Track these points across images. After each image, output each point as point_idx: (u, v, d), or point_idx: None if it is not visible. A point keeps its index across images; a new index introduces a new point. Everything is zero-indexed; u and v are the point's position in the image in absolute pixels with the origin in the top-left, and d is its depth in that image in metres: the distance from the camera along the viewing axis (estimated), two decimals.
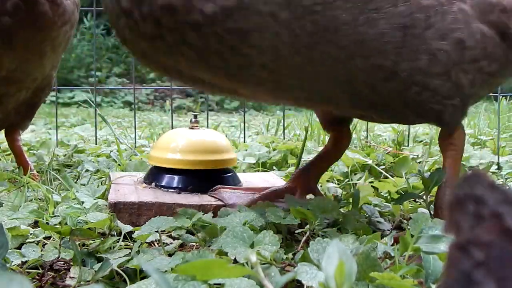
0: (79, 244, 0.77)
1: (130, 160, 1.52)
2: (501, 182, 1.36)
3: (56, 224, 0.87)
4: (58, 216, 0.91)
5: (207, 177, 1.05)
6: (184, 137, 1.09)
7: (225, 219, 0.77)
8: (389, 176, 1.32)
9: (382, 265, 0.60)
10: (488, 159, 1.59)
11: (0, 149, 1.61)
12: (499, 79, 0.94)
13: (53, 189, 1.11)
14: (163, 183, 1.04)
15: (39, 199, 1.05)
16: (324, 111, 1.05)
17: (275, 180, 1.18)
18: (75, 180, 1.28)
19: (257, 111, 6.21)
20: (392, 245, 0.70)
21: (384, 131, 2.35)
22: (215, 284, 0.55)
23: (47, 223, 0.87)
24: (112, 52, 7.95)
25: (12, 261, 0.70)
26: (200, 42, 0.69)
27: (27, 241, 0.80)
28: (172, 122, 2.04)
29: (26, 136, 2.32)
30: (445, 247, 0.62)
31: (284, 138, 2.05)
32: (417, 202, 1.12)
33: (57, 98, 2.84)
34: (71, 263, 0.72)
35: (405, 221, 0.98)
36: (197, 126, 1.14)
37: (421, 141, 2.01)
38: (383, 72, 0.78)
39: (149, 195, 0.98)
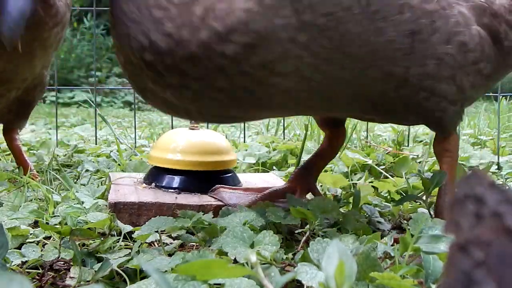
0: (79, 244, 0.77)
1: (130, 160, 1.52)
2: (501, 182, 1.36)
3: (56, 224, 0.87)
4: (58, 216, 0.91)
5: (207, 177, 1.05)
6: (184, 138, 1.09)
7: (225, 219, 0.77)
8: (389, 176, 1.32)
9: (382, 265, 0.60)
10: (488, 159, 1.59)
11: (0, 149, 1.61)
12: (491, 82, 0.96)
13: (53, 189, 1.11)
14: (163, 184, 1.04)
15: (39, 199, 1.05)
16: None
17: (275, 180, 1.18)
18: (75, 180, 1.28)
19: None
20: (392, 245, 0.70)
21: (384, 131, 2.35)
22: (215, 284, 0.55)
23: (47, 223, 0.87)
24: (112, 52, 7.94)
25: (12, 261, 0.70)
26: (227, 83, 0.69)
27: (27, 241, 0.80)
28: (172, 122, 2.04)
29: (26, 136, 2.32)
30: (445, 247, 0.62)
31: (284, 138, 2.05)
32: (417, 202, 1.11)
33: (57, 98, 2.84)
34: (71, 263, 0.72)
35: (405, 221, 0.98)
36: (197, 127, 1.14)
37: (421, 141, 2.01)
38: (394, 79, 0.79)
39: (149, 195, 0.98)
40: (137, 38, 0.69)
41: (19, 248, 0.76)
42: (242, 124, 2.10)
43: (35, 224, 0.91)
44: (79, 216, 0.85)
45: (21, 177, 1.14)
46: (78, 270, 0.68)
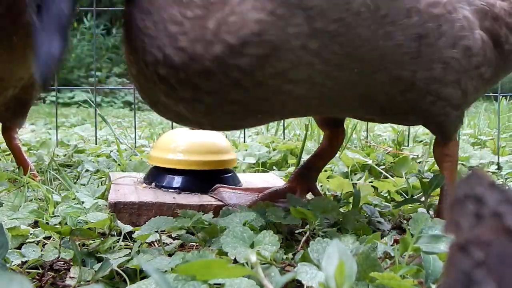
0: (79, 244, 0.77)
1: (130, 160, 1.52)
2: (501, 182, 1.36)
3: (56, 224, 0.87)
4: (58, 216, 0.91)
5: (207, 177, 1.05)
6: (185, 138, 1.09)
7: (225, 219, 0.77)
8: (389, 176, 1.32)
9: (382, 265, 0.60)
10: (488, 159, 1.59)
11: (0, 149, 1.61)
12: (489, 87, 0.96)
13: (53, 189, 1.11)
14: (163, 184, 1.04)
15: (39, 199, 1.05)
16: None
17: (275, 180, 1.18)
18: (75, 180, 1.28)
19: None
20: (392, 245, 0.71)
21: (384, 131, 2.35)
22: (215, 284, 0.55)
23: (47, 223, 0.87)
24: (112, 52, 7.95)
25: (12, 261, 0.70)
26: (241, 96, 0.69)
27: (27, 241, 0.80)
28: (172, 122, 2.04)
29: (26, 136, 2.32)
30: (445, 247, 0.62)
31: (284, 138, 2.05)
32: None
33: (57, 98, 2.84)
34: (71, 263, 0.72)
35: (405, 221, 0.98)
36: None
37: (421, 141, 2.01)
38: (402, 83, 0.80)
39: (149, 195, 0.98)
40: (152, 52, 0.69)
41: (19, 248, 0.76)
42: None
43: (35, 224, 0.91)
44: (79, 216, 0.85)
45: (21, 177, 1.14)
46: (78, 270, 0.68)
